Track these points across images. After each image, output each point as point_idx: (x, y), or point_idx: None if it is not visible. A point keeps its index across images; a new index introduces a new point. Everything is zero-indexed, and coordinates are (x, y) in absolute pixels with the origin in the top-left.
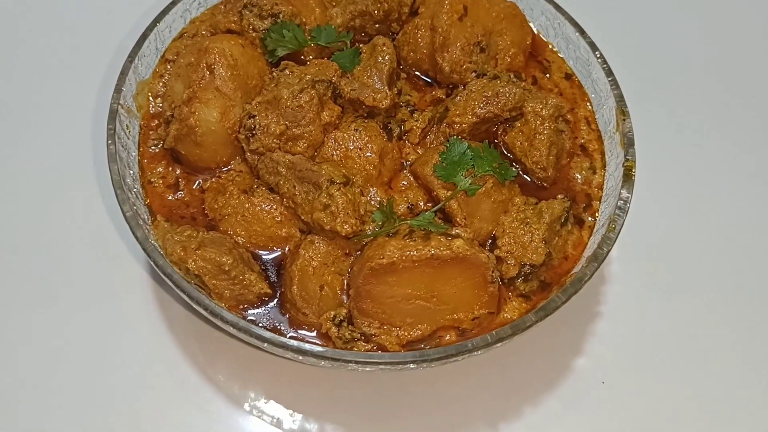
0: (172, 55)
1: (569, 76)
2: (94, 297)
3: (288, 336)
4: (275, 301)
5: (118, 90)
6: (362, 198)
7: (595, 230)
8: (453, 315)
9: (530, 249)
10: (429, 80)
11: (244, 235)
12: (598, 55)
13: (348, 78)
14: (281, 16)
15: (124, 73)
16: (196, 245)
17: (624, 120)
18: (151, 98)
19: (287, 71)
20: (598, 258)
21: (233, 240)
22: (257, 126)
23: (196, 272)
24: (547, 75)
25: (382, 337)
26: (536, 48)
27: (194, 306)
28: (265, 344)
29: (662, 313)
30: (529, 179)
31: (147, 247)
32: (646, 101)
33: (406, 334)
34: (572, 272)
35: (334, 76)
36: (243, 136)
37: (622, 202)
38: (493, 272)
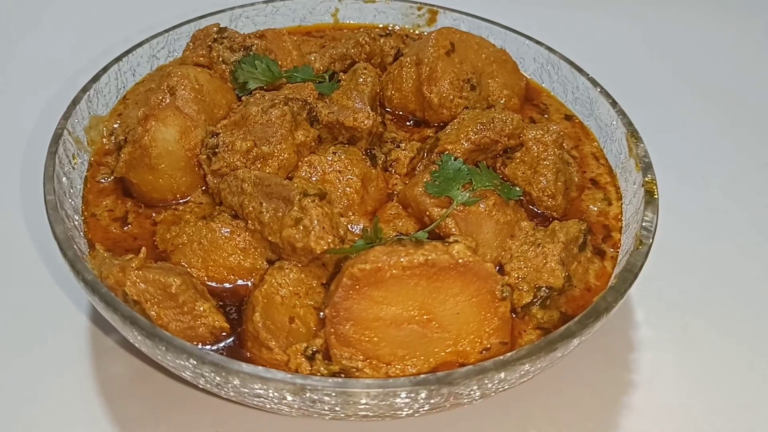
0: (132, 99)
1: (569, 117)
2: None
3: None
4: (233, 340)
5: (66, 117)
6: (341, 219)
7: (619, 260)
8: (456, 346)
9: (545, 271)
10: (416, 121)
11: (199, 266)
12: (599, 90)
13: (326, 102)
14: (254, 48)
15: (75, 102)
16: (137, 265)
17: (638, 144)
18: (105, 137)
19: (257, 95)
20: (633, 269)
21: (186, 270)
22: (221, 144)
23: (135, 297)
24: (546, 116)
25: (367, 372)
26: (531, 94)
27: (127, 333)
28: (213, 374)
29: (706, 379)
30: (537, 211)
31: (76, 264)
32: (656, 144)
33: (398, 372)
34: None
35: (309, 96)
36: (204, 156)
37: (647, 223)
38: (502, 287)
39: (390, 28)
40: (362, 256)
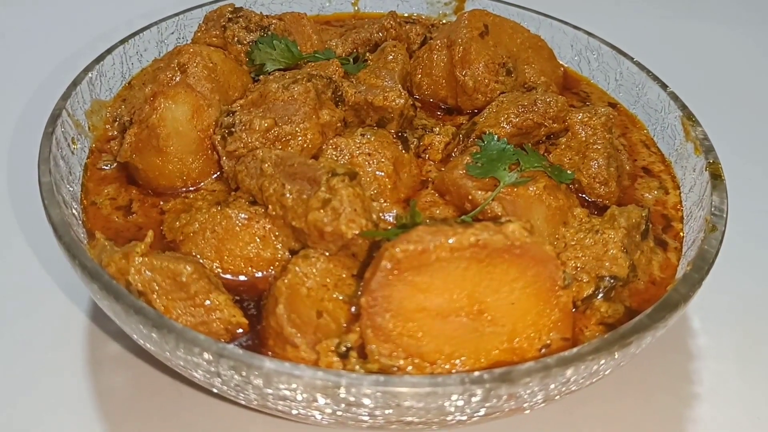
0: (139, 82)
1: (613, 105)
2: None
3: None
4: (251, 339)
5: (65, 97)
6: (374, 203)
7: (684, 251)
8: (511, 342)
9: (607, 259)
10: (447, 109)
11: (213, 257)
12: (647, 73)
13: (352, 81)
14: (272, 28)
15: (76, 83)
16: (142, 250)
17: (695, 127)
18: (108, 123)
19: (277, 74)
20: (707, 256)
21: (198, 260)
22: (237, 123)
23: (140, 287)
24: (588, 104)
25: (410, 372)
26: (569, 82)
27: (131, 327)
28: (232, 371)
29: None
30: (587, 200)
31: (73, 249)
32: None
33: (444, 372)
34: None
35: (335, 73)
36: (219, 136)
37: (716, 208)
38: (565, 273)
39: (415, 17)
40: (404, 237)
